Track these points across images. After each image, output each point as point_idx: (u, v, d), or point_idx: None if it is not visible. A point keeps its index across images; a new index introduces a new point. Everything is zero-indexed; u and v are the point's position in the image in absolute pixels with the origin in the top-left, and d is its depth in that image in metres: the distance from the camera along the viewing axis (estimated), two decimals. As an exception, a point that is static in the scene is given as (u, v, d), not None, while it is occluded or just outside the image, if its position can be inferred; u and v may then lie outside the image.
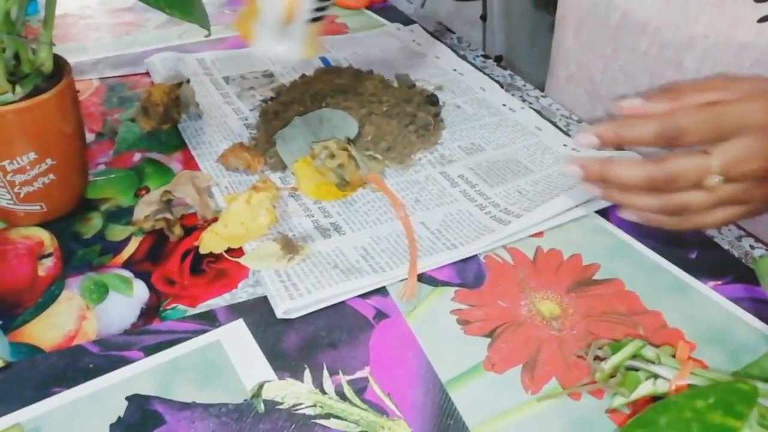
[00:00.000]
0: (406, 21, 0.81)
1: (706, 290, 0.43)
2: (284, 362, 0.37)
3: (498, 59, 0.65)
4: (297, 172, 0.50)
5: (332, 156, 0.49)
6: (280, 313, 0.39)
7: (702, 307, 0.42)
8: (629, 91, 0.58)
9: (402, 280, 0.42)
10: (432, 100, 0.60)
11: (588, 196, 0.47)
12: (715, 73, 0.51)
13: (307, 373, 0.36)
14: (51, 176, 0.43)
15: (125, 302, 0.40)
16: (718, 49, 0.51)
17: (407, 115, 0.57)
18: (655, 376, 0.33)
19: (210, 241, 0.43)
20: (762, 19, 0.48)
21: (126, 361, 0.36)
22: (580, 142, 0.40)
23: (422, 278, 0.43)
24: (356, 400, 0.35)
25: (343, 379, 0.36)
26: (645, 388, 0.33)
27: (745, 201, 0.40)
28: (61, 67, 0.44)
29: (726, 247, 0.47)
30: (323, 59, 0.71)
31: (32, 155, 0.42)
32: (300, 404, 0.35)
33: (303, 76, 0.64)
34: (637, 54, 0.57)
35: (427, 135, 0.57)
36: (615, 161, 0.39)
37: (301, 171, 0.49)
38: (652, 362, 0.34)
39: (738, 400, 0.27)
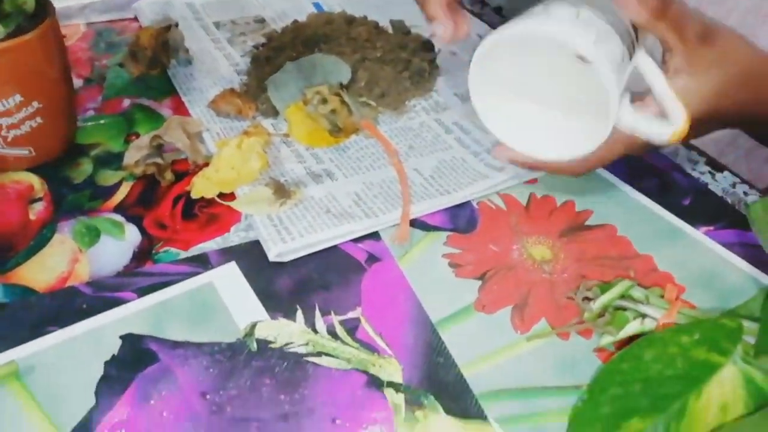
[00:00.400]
0: (402, -34, 0.78)
1: (698, 235, 0.43)
2: (277, 303, 0.37)
3: (497, 11, 0.62)
4: (289, 117, 0.49)
5: (324, 101, 0.48)
6: (272, 256, 0.39)
7: (693, 251, 0.42)
8: None
9: (394, 225, 0.42)
10: (427, 47, 0.59)
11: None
12: None
13: (299, 314, 0.37)
14: (38, 120, 0.43)
15: (117, 245, 0.40)
16: None
17: (401, 61, 0.56)
18: (643, 316, 0.34)
19: (201, 186, 0.43)
20: None
21: (119, 302, 0.37)
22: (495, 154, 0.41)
23: (415, 223, 0.43)
24: (348, 338, 0.35)
25: (335, 318, 0.36)
26: (633, 327, 0.33)
27: None
28: (43, 6, 0.42)
29: (720, 193, 0.47)
30: (315, 4, 0.69)
31: (18, 98, 0.41)
32: (292, 343, 0.35)
33: (295, 21, 0.62)
34: None
35: (422, 81, 0.56)
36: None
37: (293, 117, 0.49)
38: (641, 302, 0.34)
39: (723, 336, 0.28)
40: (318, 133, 0.48)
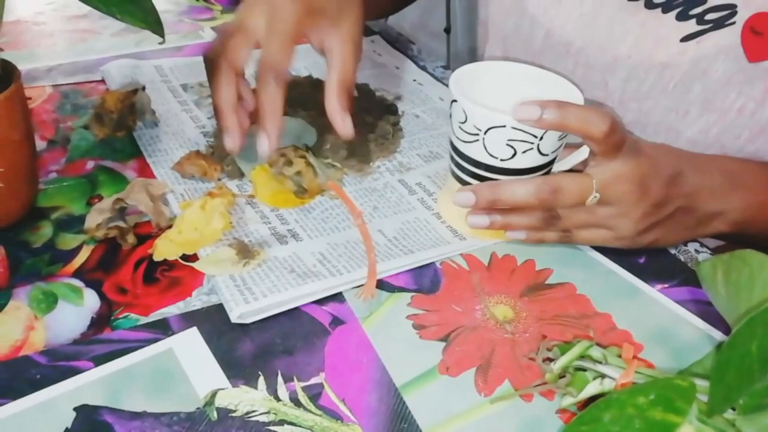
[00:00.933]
0: (368, 32, 0.82)
1: (653, 293, 0.44)
2: (238, 370, 0.37)
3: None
4: (254, 179, 0.49)
5: (290, 163, 0.49)
6: (234, 318, 0.39)
7: (650, 309, 0.43)
8: None
9: (359, 285, 0.42)
10: (391, 110, 0.61)
11: None
12: (640, 94, 0.51)
13: (261, 380, 0.36)
14: (-2, 184, 0.42)
15: (75, 312, 0.39)
16: (641, 69, 0.50)
17: (367, 124, 0.58)
18: (603, 376, 0.34)
19: (164, 248, 0.43)
20: (684, 38, 0.48)
21: (75, 372, 0.36)
22: (457, 200, 0.43)
23: (379, 284, 0.43)
24: (311, 406, 0.35)
25: (297, 385, 0.36)
26: (593, 388, 0.34)
27: (611, 227, 0.43)
28: (9, 72, 0.43)
29: (673, 251, 0.48)
30: (283, 68, 0.71)
31: (-22, 162, 0.41)
32: (254, 411, 0.34)
33: (262, 84, 0.64)
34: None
35: (386, 144, 0.57)
36: (504, 182, 0.42)
37: (259, 178, 0.49)
38: (600, 362, 0.35)
39: (677, 396, 0.28)
40: (283, 195, 0.49)
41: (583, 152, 0.43)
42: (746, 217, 0.46)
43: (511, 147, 0.41)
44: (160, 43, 0.42)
